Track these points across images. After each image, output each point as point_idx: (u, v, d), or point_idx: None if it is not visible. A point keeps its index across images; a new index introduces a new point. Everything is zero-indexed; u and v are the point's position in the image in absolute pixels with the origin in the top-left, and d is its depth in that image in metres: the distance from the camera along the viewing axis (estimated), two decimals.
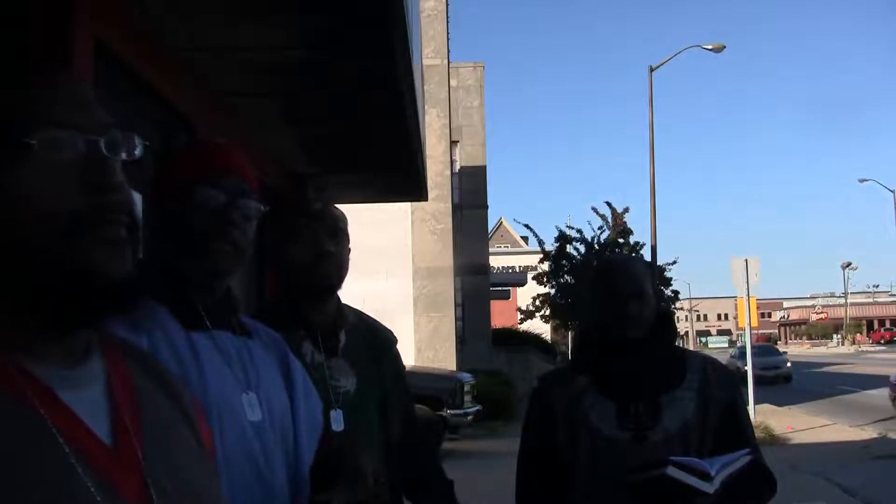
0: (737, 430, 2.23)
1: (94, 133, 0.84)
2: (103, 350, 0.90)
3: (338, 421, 2.05)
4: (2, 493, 0.71)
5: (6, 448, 0.74)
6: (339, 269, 2.16)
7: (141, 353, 1.02)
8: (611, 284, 2.24)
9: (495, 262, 32.41)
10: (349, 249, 2.21)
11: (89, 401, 0.84)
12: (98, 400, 0.85)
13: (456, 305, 18.18)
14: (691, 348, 30.19)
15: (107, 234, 0.82)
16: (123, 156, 0.86)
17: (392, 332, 2.41)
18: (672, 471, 1.92)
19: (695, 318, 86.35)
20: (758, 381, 27.87)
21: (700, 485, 1.93)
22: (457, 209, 19.01)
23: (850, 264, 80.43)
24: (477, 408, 12.94)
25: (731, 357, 33.64)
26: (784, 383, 29.32)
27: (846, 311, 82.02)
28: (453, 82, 19.34)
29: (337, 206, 2.24)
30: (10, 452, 0.74)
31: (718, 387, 2.25)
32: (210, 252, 1.52)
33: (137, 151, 0.87)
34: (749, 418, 2.38)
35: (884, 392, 22.48)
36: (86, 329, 0.87)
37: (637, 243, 22.07)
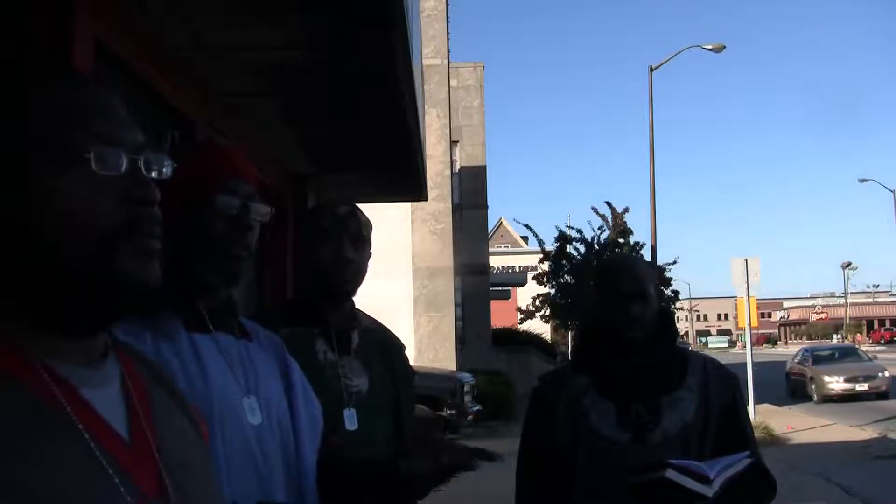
0: (737, 431, 2.23)
1: (135, 151, 0.90)
2: (117, 352, 0.96)
3: (351, 420, 2.06)
4: (33, 487, 0.75)
5: (36, 444, 0.78)
6: (356, 277, 2.19)
7: (142, 355, 1.06)
8: (614, 284, 2.24)
9: (495, 262, 32.40)
10: (369, 255, 2.24)
11: (107, 399, 0.89)
12: (115, 398, 0.90)
13: (456, 305, 18.18)
14: (691, 348, 27.80)
15: (143, 245, 0.89)
16: (155, 174, 0.92)
17: (400, 339, 2.43)
18: (671, 474, 1.92)
19: (695, 318, 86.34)
20: (845, 397, 20.11)
21: (699, 488, 1.92)
22: (457, 209, 19.02)
23: (850, 264, 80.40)
24: (477, 408, 12.95)
25: (800, 363, 23.69)
26: (876, 400, 20.40)
27: (846, 311, 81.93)
28: (453, 82, 19.34)
29: (363, 211, 2.27)
30: (40, 448, 0.78)
31: (719, 387, 2.25)
32: (228, 257, 1.55)
33: (166, 171, 0.94)
34: (749, 419, 2.38)
35: None
36: (105, 332, 0.93)
37: (637, 243, 22.06)
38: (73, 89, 0.91)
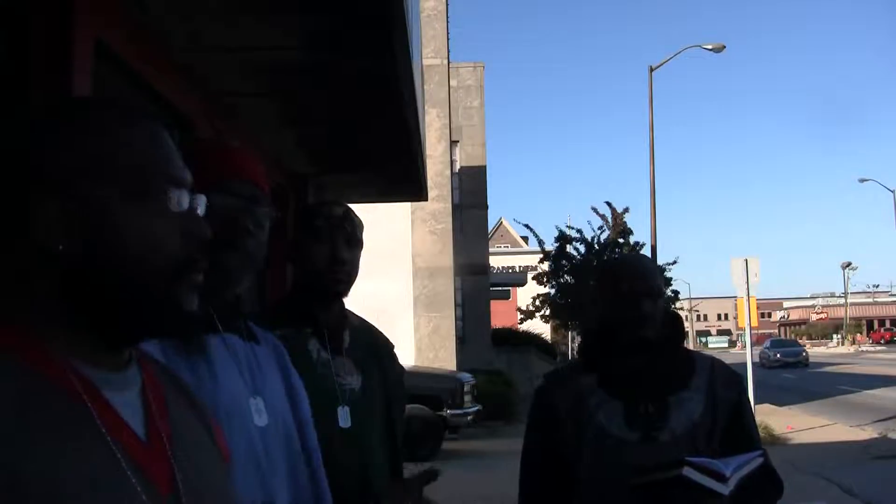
0: (742, 431, 2.23)
1: (191, 191, 1.00)
2: (140, 362, 1.03)
3: (345, 418, 2.08)
4: (53, 477, 0.81)
5: (58, 437, 0.84)
6: (349, 277, 2.20)
7: (165, 368, 1.14)
8: (625, 283, 2.23)
9: (495, 262, 32.39)
10: (360, 256, 2.25)
11: (128, 402, 0.95)
12: (135, 402, 0.97)
13: (456, 305, 18.17)
14: (692, 348, 27.72)
15: (195, 279, 0.99)
16: (200, 212, 1.02)
17: (388, 338, 2.44)
18: (688, 471, 1.92)
19: (695, 318, 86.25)
20: None
21: (716, 486, 1.92)
22: (457, 209, 19.01)
23: (850, 264, 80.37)
24: (477, 408, 12.94)
25: None
26: None
27: (846, 311, 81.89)
28: (453, 82, 19.34)
29: (355, 212, 2.28)
30: (62, 441, 0.84)
31: (725, 387, 2.25)
32: (222, 260, 1.52)
33: (201, 210, 1.03)
34: (754, 419, 2.37)
35: (884, 392, 22.50)
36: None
37: (637, 243, 22.06)
38: (153, 132, 1.00)
